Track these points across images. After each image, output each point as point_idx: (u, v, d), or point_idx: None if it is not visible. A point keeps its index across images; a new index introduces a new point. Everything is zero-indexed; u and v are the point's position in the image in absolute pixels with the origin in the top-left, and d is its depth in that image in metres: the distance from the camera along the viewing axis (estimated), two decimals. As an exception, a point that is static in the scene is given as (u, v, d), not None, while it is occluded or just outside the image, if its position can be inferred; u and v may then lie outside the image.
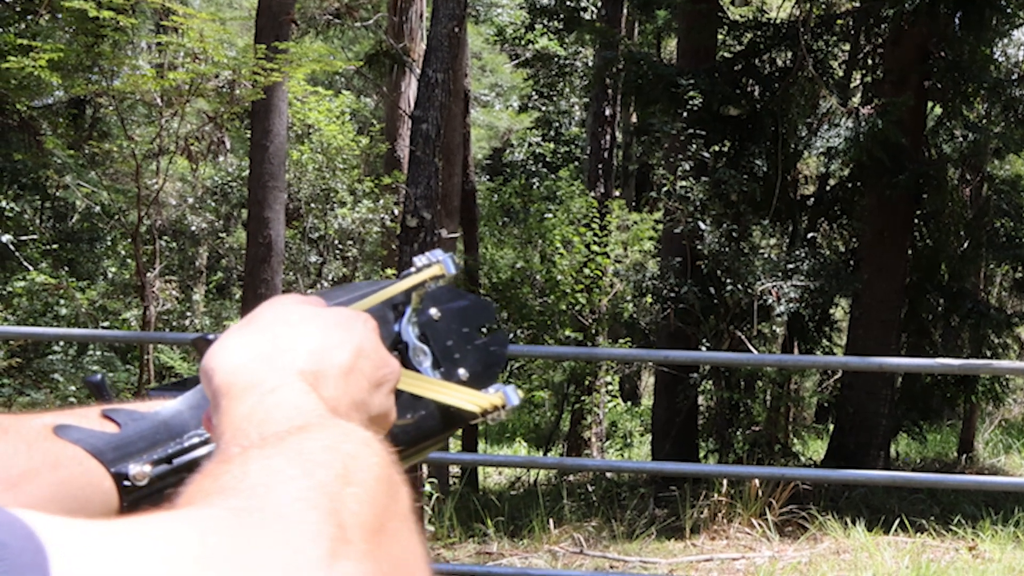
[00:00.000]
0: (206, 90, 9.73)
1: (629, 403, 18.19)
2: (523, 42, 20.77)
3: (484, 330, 0.91)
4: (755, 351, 10.58)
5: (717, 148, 10.99)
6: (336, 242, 14.02)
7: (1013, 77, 12.60)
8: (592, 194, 14.06)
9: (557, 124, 23.32)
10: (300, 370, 0.62)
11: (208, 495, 0.48)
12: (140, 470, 0.75)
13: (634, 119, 19.54)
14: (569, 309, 12.41)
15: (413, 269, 0.86)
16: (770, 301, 10.32)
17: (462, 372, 0.86)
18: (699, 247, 10.46)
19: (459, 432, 9.43)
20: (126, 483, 0.75)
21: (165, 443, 0.78)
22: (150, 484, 0.76)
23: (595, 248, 12.65)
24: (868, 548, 7.85)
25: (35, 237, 14.90)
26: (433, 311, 0.87)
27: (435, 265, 0.85)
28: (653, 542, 8.34)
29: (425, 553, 0.55)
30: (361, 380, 0.66)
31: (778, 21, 12.06)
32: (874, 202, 11.17)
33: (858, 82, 12.86)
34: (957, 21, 11.04)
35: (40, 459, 0.70)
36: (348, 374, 0.65)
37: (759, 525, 8.39)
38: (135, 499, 0.75)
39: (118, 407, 0.79)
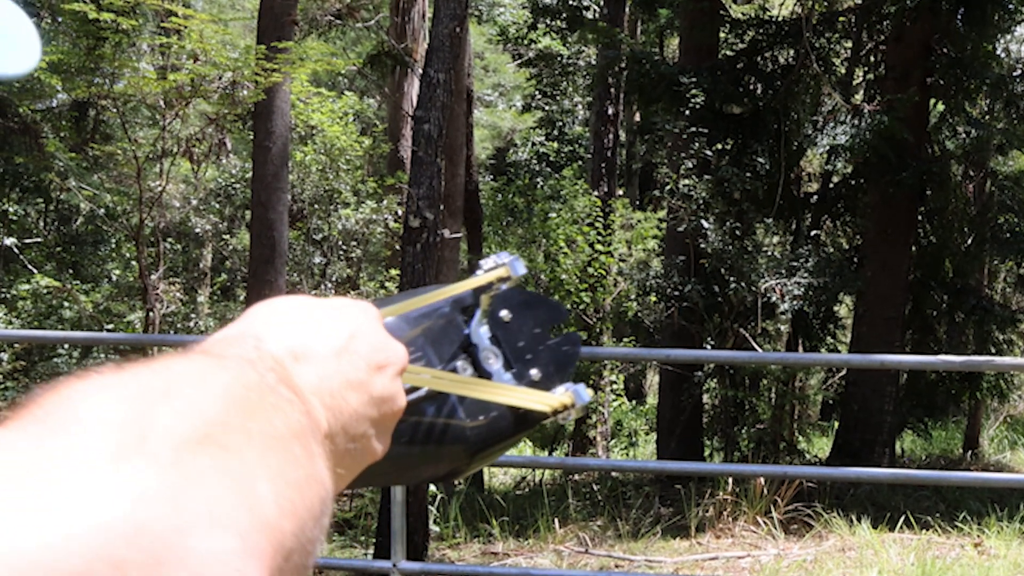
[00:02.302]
0: (208, 92, 9.74)
1: (634, 402, 18.14)
2: (526, 42, 20.78)
3: (554, 330, 0.91)
4: (759, 349, 10.58)
5: (720, 146, 10.98)
6: (340, 243, 14.02)
7: (1015, 73, 12.57)
8: (596, 193, 14.05)
9: (560, 123, 23.32)
10: (263, 344, 0.61)
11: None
12: None
13: (637, 118, 19.54)
14: (573, 308, 12.41)
15: (480, 271, 0.86)
16: (774, 299, 10.31)
17: (534, 372, 0.85)
18: (703, 245, 10.45)
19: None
20: None
21: None
22: None
23: (599, 247, 12.65)
24: (873, 545, 7.84)
25: (39, 240, 14.93)
26: (504, 312, 0.86)
27: (501, 267, 0.85)
28: (658, 541, 8.33)
29: (313, 478, 0.53)
30: (357, 361, 0.66)
31: (780, 19, 12.05)
32: (877, 199, 11.15)
33: (860, 79, 12.84)
34: (959, 17, 11.03)
35: None
36: (339, 354, 0.65)
37: (764, 523, 8.38)
38: None
39: None
